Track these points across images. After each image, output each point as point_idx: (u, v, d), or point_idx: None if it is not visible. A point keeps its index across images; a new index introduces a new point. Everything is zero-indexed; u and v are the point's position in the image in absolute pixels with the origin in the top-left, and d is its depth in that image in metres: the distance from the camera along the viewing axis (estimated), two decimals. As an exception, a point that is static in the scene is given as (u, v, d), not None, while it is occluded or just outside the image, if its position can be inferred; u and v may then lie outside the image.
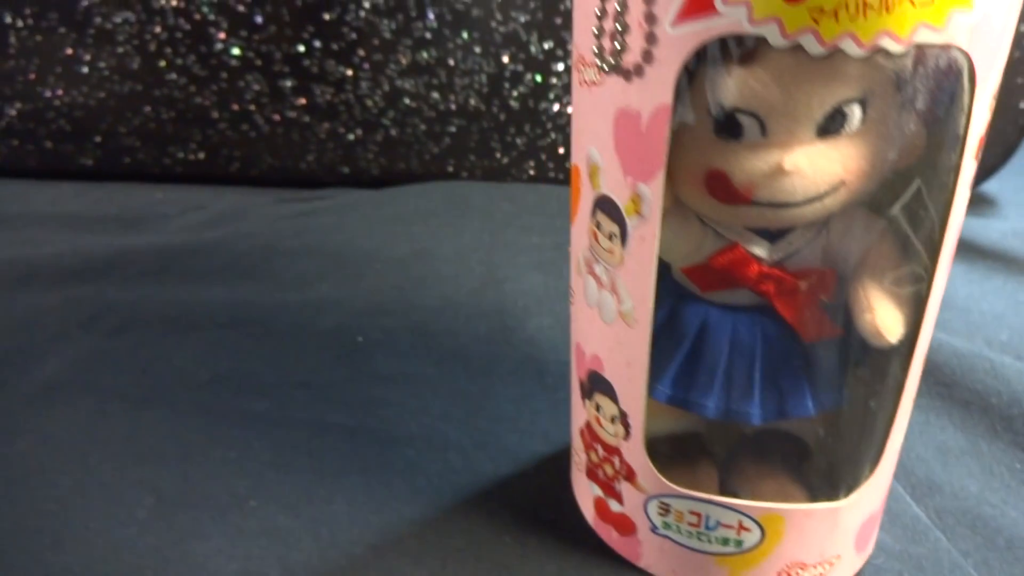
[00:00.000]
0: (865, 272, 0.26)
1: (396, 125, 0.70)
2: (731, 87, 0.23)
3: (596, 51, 0.24)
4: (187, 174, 0.72)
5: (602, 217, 0.27)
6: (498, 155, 0.70)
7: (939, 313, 0.48)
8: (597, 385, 0.30)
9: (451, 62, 0.67)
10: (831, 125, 0.23)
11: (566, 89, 0.67)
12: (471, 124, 0.69)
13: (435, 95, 0.68)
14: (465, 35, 0.66)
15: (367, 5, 0.66)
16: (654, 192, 0.24)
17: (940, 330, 0.45)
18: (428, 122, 0.69)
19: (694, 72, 0.23)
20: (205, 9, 0.67)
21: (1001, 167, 0.69)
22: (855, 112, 0.23)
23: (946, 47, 0.21)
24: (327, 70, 0.68)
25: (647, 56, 0.23)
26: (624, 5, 0.23)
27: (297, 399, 0.41)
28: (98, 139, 0.72)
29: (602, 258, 0.27)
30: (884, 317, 0.25)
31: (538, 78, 0.67)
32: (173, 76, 0.69)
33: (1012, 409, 0.38)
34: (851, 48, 0.21)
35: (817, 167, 0.24)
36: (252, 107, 0.70)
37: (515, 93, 0.68)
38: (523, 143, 0.69)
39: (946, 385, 0.40)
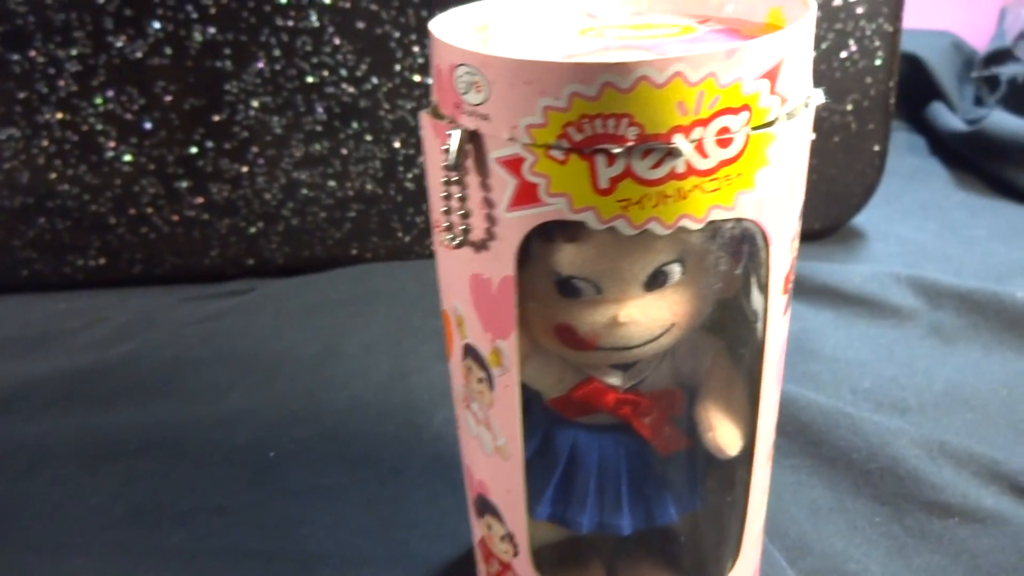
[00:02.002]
0: (706, 393, 0.29)
1: (296, 215, 0.71)
2: (565, 259, 0.26)
3: (447, 225, 0.27)
4: (89, 281, 0.72)
5: (471, 363, 0.29)
6: (399, 234, 0.72)
7: (808, 365, 0.53)
8: (486, 507, 0.32)
9: (344, 151, 0.69)
10: (655, 282, 0.26)
11: (458, 168, 0.70)
12: (370, 208, 0.71)
13: (332, 183, 0.70)
14: (355, 125, 0.69)
15: (255, 104, 0.67)
16: (510, 348, 0.27)
17: (808, 386, 0.50)
18: (327, 209, 0.71)
19: (533, 245, 0.26)
20: (92, 120, 0.67)
21: (864, 204, 0.75)
22: (675, 269, 0.26)
23: (738, 220, 0.25)
24: (222, 168, 0.69)
25: (490, 234, 0.26)
26: (465, 192, 0.26)
27: (213, 526, 0.42)
28: (-8, 254, 0.71)
29: (475, 398, 0.30)
30: (723, 434, 0.29)
31: (430, 159, 0.70)
32: (65, 187, 0.69)
33: (870, 464, 0.42)
34: (657, 229, 0.24)
35: (649, 316, 0.27)
36: (149, 210, 0.70)
37: (409, 175, 0.70)
38: (422, 221, 0.72)
39: (814, 444, 0.44)
